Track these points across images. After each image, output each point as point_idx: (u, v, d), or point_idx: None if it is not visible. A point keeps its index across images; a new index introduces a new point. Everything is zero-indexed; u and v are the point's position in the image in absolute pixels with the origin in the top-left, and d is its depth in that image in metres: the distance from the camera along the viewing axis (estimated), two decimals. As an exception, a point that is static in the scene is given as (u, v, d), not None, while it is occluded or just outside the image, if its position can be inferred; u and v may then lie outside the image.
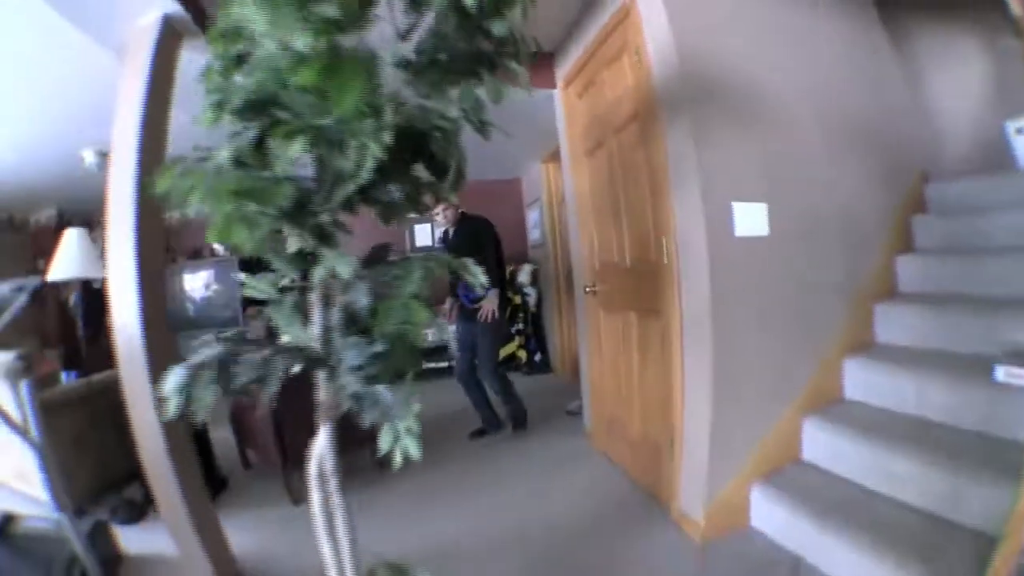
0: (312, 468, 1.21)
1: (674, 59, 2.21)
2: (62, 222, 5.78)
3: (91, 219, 6.33)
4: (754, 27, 2.46)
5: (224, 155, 1.03)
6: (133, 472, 3.22)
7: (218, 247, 5.98)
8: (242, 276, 1.18)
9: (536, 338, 5.79)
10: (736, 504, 2.27)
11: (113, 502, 2.84)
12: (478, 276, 1.21)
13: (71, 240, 3.07)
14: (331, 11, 0.87)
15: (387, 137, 0.91)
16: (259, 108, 1.03)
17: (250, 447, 3.37)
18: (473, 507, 2.77)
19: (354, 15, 0.87)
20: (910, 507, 1.87)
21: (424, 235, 6.15)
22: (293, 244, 1.04)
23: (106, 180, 2.03)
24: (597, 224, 3.16)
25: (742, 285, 2.25)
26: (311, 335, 1.11)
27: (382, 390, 1.09)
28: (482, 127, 1.16)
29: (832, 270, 2.51)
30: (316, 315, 1.12)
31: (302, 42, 0.81)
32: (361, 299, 1.06)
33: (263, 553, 2.40)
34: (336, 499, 1.21)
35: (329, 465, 1.17)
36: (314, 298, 1.13)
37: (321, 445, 1.18)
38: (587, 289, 3.25)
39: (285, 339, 1.15)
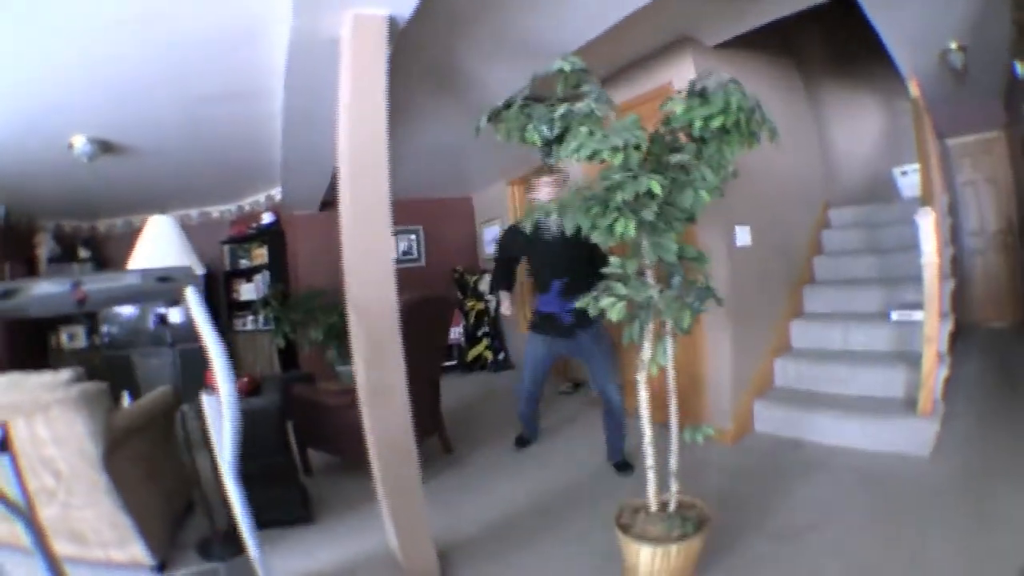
0: (642, 393, 2.17)
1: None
2: (9, 222, 5.20)
3: (37, 221, 5.86)
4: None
5: (625, 194, 1.97)
6: (191, 503, 2.95)
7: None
8: (614, 259, 2.10)
9: (498, 339, 6.74)
10: (746, 415, 3.56)
11: (195, 539, 2.62)
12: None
13: (159, 227, 2.72)
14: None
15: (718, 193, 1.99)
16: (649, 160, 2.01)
17: (329, 449, 3.45)
18: (539, 465, 3.47)
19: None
20: (855, 395, 3.31)
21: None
22: (645, 243, 2.02)
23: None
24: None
25: (742, 275, 3.56)
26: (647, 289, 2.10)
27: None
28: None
29: (781, 266, 3.99)
30: (650, 279, 2.11)
31: (730, 155, 1.82)
32: (681, 273, 2.08)
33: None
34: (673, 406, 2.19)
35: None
36: (648, 271, 2.11)
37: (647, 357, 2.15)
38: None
39: (625, 292, 2.10)
